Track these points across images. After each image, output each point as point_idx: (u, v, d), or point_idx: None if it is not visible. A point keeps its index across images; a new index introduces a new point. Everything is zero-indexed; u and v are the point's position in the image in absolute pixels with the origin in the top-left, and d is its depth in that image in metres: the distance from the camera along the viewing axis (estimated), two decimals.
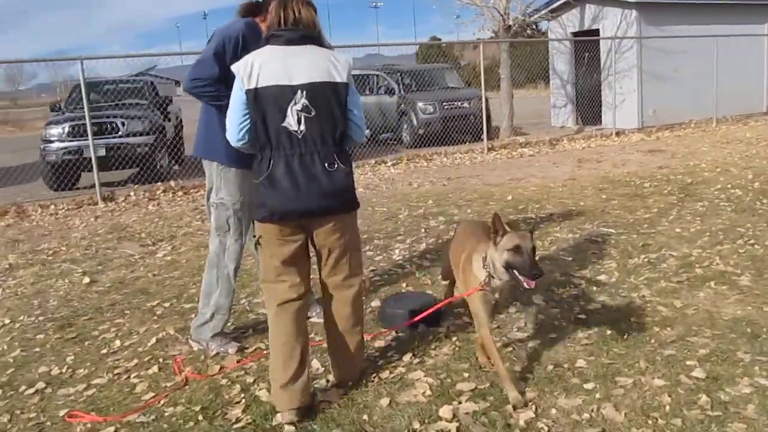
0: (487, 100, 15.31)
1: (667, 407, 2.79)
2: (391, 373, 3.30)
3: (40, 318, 4.57)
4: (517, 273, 2.86)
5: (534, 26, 30.11)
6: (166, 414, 3.06)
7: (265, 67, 2.81)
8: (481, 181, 8.94)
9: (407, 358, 3.46)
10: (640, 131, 14.06)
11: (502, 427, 2.71)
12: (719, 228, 5.62)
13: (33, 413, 3.20)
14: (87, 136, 9.69)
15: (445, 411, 2.85)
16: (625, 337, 3.53)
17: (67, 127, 10.68)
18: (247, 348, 3.77)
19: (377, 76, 16.84)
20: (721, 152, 10.30)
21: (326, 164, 2.81)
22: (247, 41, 3.52)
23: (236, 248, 3.75)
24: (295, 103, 2.78)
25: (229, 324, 3.97)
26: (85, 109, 9.14)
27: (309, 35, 2.91)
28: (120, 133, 10.85)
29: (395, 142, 15.23)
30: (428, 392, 3.06)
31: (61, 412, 3.16)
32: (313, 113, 2.80)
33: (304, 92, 2.79)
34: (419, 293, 4.35)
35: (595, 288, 4.35)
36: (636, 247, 5.22)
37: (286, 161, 2.81)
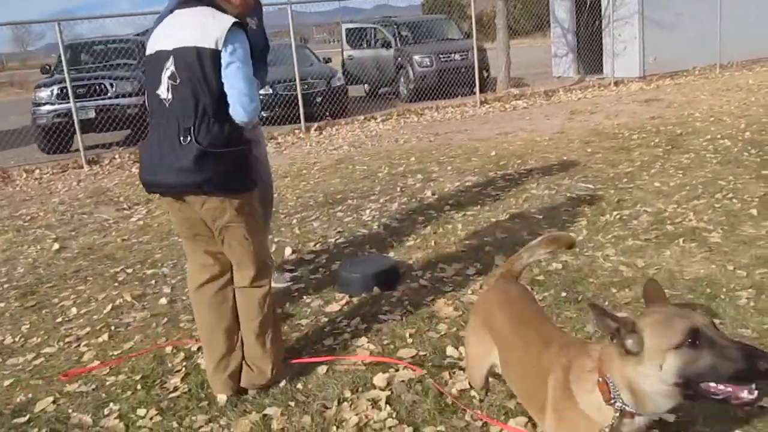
0: (484, 51, 15.00)
1: None
2: (335, 339, 3.26)
3: (5, 286, 4.57)
4: (716, 386, 1.54)
5: None
6: (107, 383, 3.05)
7: (154, 32, 2.67)
8: (468, 137, 8.77)
9: (354, 322, 3.42)
10: (641, 80, 13.72)
11: (434, 395, 2.66)
12: (700, 181, 5.47)
13: None
14: (79, 98, 9.64)
15: (379, 379, 2.80)
16: (579, 299, 3.46)
17: (55, 89, 10.56)
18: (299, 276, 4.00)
19: (374, 29, 16.52)
20: (719, 100, 10.02)
21: (180, 137, 2.51)
22: None
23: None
24: (166, 70, 2.55)
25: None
26: (65, 70, 9.00)
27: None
28: (109, 94, 10.74)
29: (393, 96, 15.00)
30: (369, 360, 3.01)
31: (6, 382, 3.16)
32: (177, 81, 2.53)
33: (172, 58, 2.54)
34: (378, 256, 4.28)
35: None
36: (611, 203, 5.10)
37: (155, 130, 2.62)
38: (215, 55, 2.50)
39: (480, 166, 6.78)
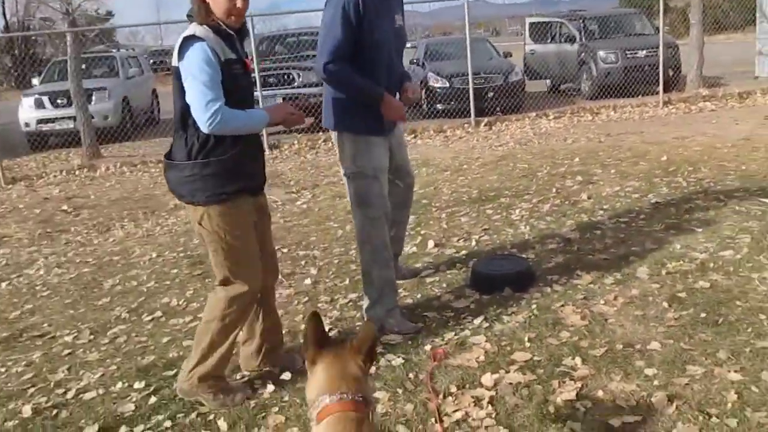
0: (676, 47, 14.03)
1: (729, 405, 2.56)
2: (456, 334, 3.35)
3: (180, 255, 5.18)
4: None
5: None
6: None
7: None
8: (642, 139, 8.31)
9: (478, 321, 3.47)
10: None
11: (538, 401, 2.67)
12: None
13: (144, 337, 3.70)
14: (269, 87, 10.65)
15: (487, 378, 2.86)
16: (720, 321, 3.23)
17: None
18: (431, 326, 3.49)
19: (560, 23, 16.07)
20: None
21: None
22: (358, 6, 3.18)
23: (382, 218, 3.47)
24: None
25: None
26: (255, 62, 9.81)
27: (189, 13, 2.71)
28: (296, 83, 11.46)
29: (576, 93, 14.52)
30: (482, 357, 3.07)
31: (164, 339, 3.63)
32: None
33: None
34: (515, 257, 4.28)
35: (713, 264, 3.97)
36: None
37: None
38: (175, 70, 2.63)
39: (646, 171, 6.44)
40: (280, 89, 11.23)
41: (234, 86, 2.66)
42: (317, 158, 8.92)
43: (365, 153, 3.40)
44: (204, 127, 2.56)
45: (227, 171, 2.68)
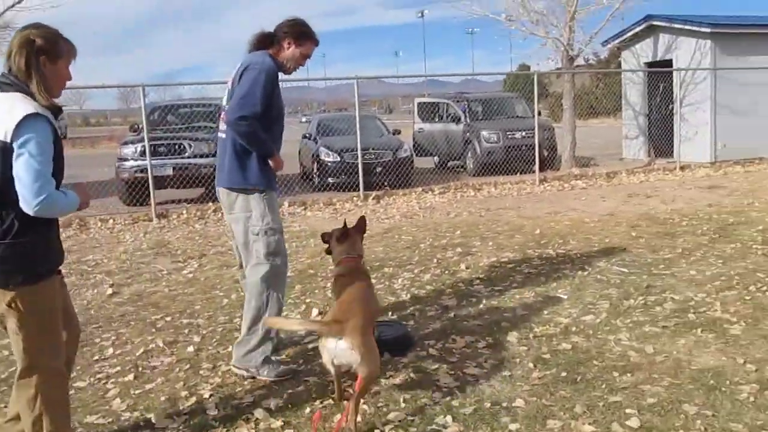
0: (552, 130, 15.20)
1: None
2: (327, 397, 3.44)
3: None
4: None
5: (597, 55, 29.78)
6: (122, 418, 3.33)
7: None
8: (518, 214, 8.89)
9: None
10: (711, 165, 13.51)
11: None
12: (738, 272, 5.41)
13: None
14: (160, 155, 10.49)
15: None
16: (578, 380, 3.52)
17: (139, 147, 11.41)
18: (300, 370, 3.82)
19: (447, 104, 17.02)
20: None
21: None
22: (277, 79, 3.73)
23: (285, 271, 3.86)
24: None
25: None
26: (145, 130, 9.77)
27: (10, 82, 2.51)
28: (187, 153, 11.48)
29: (462, 170, 15.27)
30: (359, 419, 3.16)
31: None
32: None
33: None
34: (394, 324, 4.45)
35: (574, 328, 4.32)
36: (639, 288, 5.11)
37: None
38: (5, 147, 2.39)
39: (521, 244, 6.89)
40: (170, 159, 11.17)
41: (61, 164, 2.56)
42: (206, 228, 8.88)
43: (274, 209, 3.77)
44: (30, 210, 2.39)
45: (44, 248, 2.57)
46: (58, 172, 2.52)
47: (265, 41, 3.83)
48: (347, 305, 3.30)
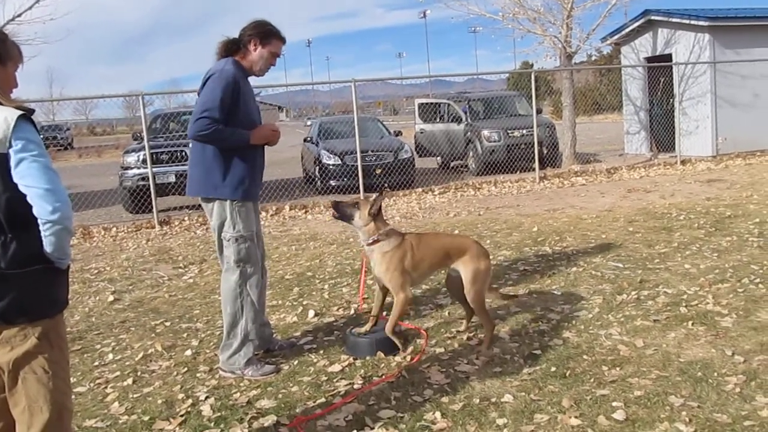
0: (553, 127, 15.24)
1: None
2: (328, 398, 3.50)
3: None
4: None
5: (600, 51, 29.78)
6: (120, 422, 3.40)
7: None
8: (517, 212, 8.93)
9: (350, 383, 3.64)
10: (712, 159, 13.52)
11: None
12: (732, 265, 5.44)
13: None
14: (162, 163, 10.60)
15: None
16: (567, 374, 3.56)
17: (141, 155, 11.52)
18: (285, 367, 3.95)
19: (447, 104, 17.06)
20: None
21: None
22: (239, 84, 3.77)
23: (257, 276, 3.92)
24: None
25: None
26: (145, 138, 9.87)
27: None
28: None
29: (465, 170, 15.32)
30: (350, 417, 3.23)
31: None
32: None
33: None
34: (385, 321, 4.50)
35: (566, 324, 4.36)
36: (632, 283, 5.15)
37: None
38: (2, 156, 2.10)
39: (518, 242, 6.93)
40: (172, 166, 11.29)
41: None
42: (207, 233, 8.95)
43: (247, 217, 3.83)
44: (53, 217, 2.07)
45: (62, 272, 2.24)
46: None
47: (230, 48, 3.88)
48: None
